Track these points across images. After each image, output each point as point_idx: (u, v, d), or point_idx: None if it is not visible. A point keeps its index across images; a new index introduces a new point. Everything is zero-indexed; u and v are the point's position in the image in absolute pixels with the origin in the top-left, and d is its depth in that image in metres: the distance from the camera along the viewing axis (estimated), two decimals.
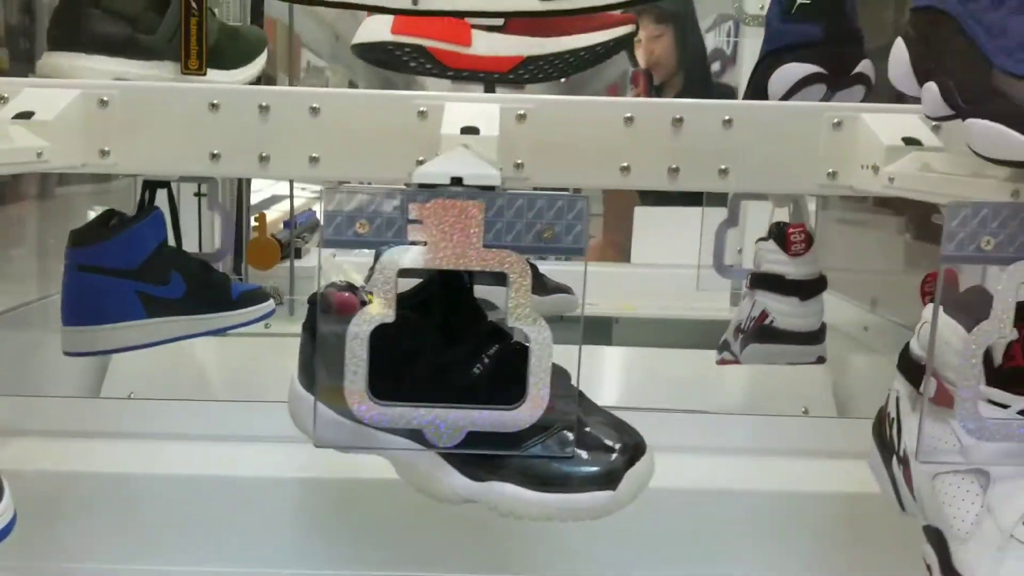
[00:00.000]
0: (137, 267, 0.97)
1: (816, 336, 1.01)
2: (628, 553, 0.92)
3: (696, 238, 1.23)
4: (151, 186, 1.03)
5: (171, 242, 1.04)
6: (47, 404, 1.06)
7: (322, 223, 0.52)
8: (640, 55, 2.10)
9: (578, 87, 2.91)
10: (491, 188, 0.52)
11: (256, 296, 1.10)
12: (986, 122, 0.49)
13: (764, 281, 1.01)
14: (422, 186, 0.52)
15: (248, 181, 1.80)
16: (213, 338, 1.25)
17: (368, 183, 0.79)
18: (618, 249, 1.96)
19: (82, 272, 0.96)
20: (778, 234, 1.00)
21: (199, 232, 1.37)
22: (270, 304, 1.13)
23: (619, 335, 1.58)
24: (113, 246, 0.96)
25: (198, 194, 1.66)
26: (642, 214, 1.82)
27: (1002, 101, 0.49)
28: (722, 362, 1.12)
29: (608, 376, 1.46)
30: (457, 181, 0.52)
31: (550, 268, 1.17)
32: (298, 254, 1.73)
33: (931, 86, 0.56)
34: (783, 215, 1.05)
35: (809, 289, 0.99)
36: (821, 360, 1.04)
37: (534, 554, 0.92)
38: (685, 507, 0.93)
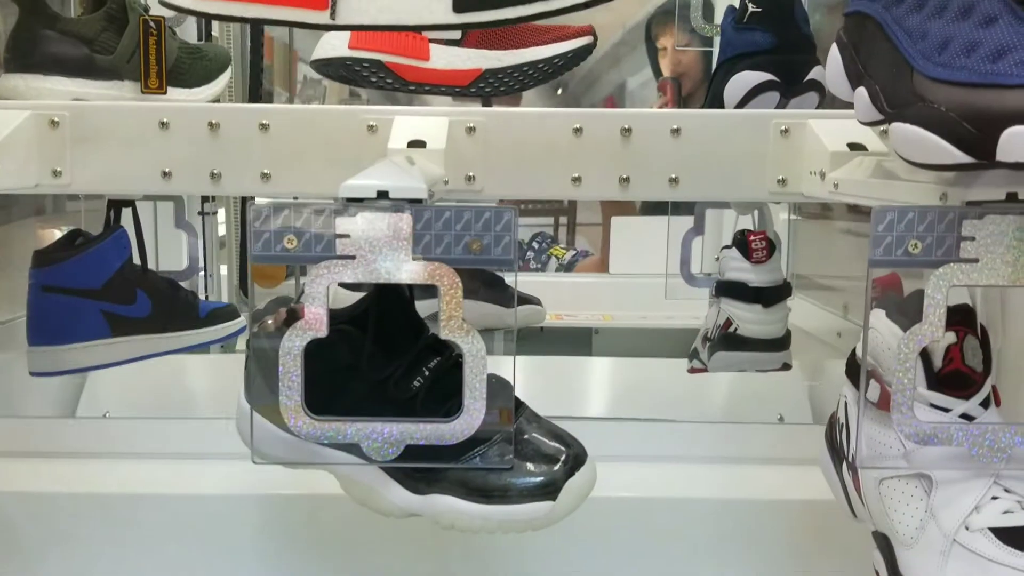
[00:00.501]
0: (101, 287, 0.97)
1: (781, 343, 1.01)
2: (603, 562, 0.92)
3: (675, 247, 1.23)
4: (115, 205, 1.03)
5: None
6: (22, 424, 1.06)
7: (250, 239, 0.52)
8: (665, 65, 2.11)
9: (574, 100, 2.92)
10: (418, 201, 0.52)
11: (224, 314, 1.10)
12: (907, 126, 0.49)
13: (728, 289, 1.02)
14: (349, 200, 0.52)
15: (253, 200, 1.79)
16: (191, 355, 1.26)
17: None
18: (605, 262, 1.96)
19: (46, 292, 0.96)
20: (740, 242, 1.00)
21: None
22: (240, 321, 1.13)
23: (599, 345, 1.58)
24: (75, 266, 0.96)
25: (201, 213, 1.67)
26: (618, 224, 1.82)
27: (923, 105, 0.49)
28: (692, 371, 1.12)
29: (588, 387, 1.46)
30: (383, 194, 0.52)
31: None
32: (304, 271, 1.72)
33: (861, 91, 0.56)
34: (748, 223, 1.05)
35: (772, 296, 0.99)
36: (786, 367, 1.04)
37: (501, 566, 0.91)
38: (662, 516, 0.93)
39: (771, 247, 0.99)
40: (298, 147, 0.76)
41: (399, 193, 0.52)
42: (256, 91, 1.66)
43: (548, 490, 0.58)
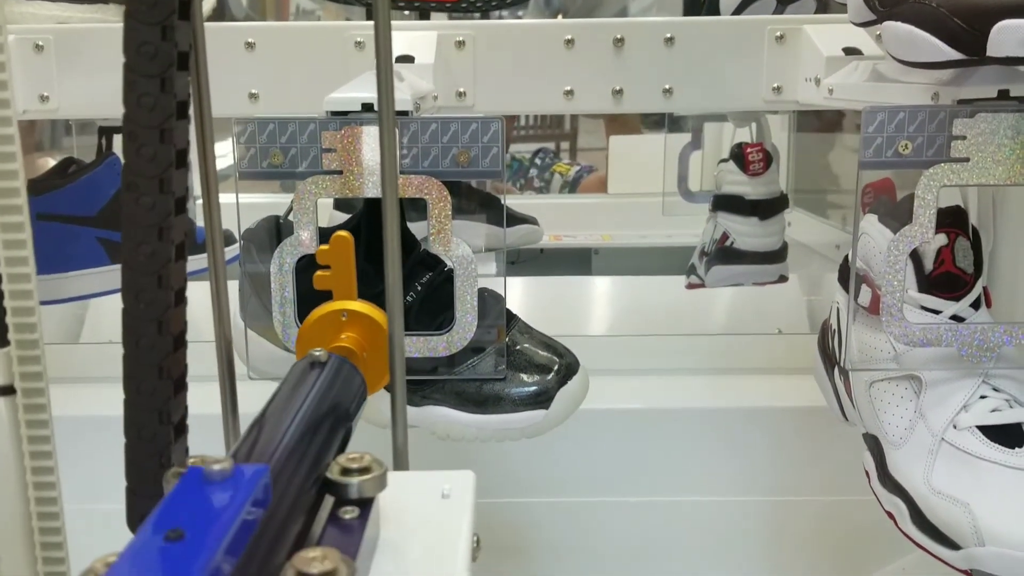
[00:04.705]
0: (96, 214, 0.97)
1: (778, 255, 1.01)
2: (608, 472, 0.94)
3: (672, 164, 1.22)
4: (107, 132, 1.02)
5: None
6: None
7: (235, 156, 0.52)
8: None
9: None
10: (404, 113, 0.52)
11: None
12: (898, 24, 0.48)
13: (725, 203, 1.01)
14: (333, 113, 0.51)
15: None
16: (190, 281, 1.26)
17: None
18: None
19: (41, 221, 0.96)
20: (737, 155, 0.99)
21: None
22: (235, 248, 1.13)
23: (598, 265, 1.57)
24: (69, 194, 0.95)
25: None
26: (616, 143, 1.80)
27: (914, 2, 0.48)
28: (690, 286, 1.12)
29: (589, 305, 1.46)
30: (368, 107, 0.51)
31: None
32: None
33: None
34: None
35: (768, 208, 0.99)
36: (783, 279, 1.04)
37: (499, 475, 0.93)
38: (668, 425, 0.94)
39: (768, 159, 0.98)
40: (285, 66, 0.75)
41: None
42: None
43: (541, 399, 0.59)
